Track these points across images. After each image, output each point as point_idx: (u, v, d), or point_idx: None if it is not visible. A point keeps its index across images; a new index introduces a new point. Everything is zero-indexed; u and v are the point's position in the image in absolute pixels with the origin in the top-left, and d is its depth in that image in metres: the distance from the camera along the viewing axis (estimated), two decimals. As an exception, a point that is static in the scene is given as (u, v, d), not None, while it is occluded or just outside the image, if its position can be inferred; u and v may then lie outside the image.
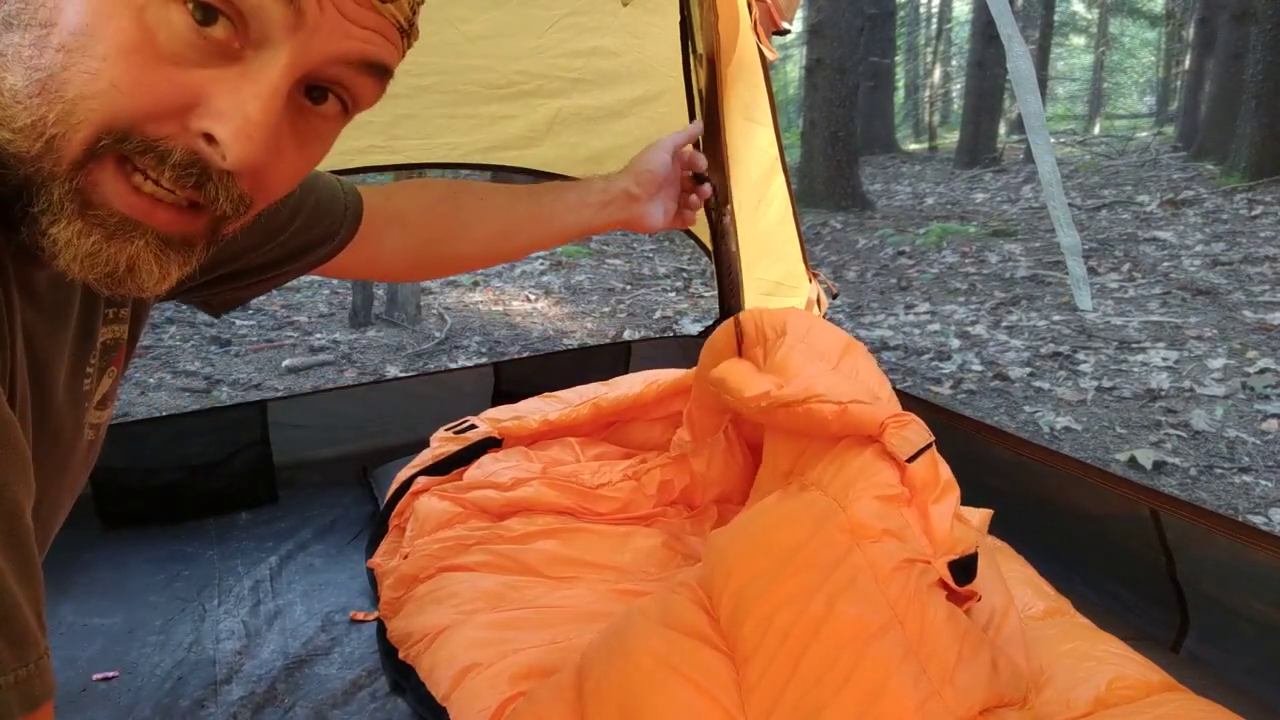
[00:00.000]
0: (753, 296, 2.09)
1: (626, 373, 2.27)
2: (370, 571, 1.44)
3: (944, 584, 0.92)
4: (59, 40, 0.39)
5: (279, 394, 3.06)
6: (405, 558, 1.34)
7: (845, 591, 0.85)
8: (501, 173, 2.22)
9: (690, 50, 2.00)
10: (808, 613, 0.84)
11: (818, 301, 1.85)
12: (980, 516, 1.35)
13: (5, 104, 0.40)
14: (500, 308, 4.77)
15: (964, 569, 0.94)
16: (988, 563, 1.07)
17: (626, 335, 4.18)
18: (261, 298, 4.76)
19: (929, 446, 0.98)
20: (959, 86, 15.31)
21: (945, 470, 1.00)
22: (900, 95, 16.22)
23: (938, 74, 15.85)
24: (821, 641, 0.81)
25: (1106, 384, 3.10)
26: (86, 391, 0.57)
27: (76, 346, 0.55)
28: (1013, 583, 1.22)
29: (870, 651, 0.80)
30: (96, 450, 0.62)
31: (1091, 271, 4.58)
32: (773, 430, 1.23)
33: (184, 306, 4.28)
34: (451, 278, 5.34)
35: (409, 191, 0.97)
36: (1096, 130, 13.93)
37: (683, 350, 2.36)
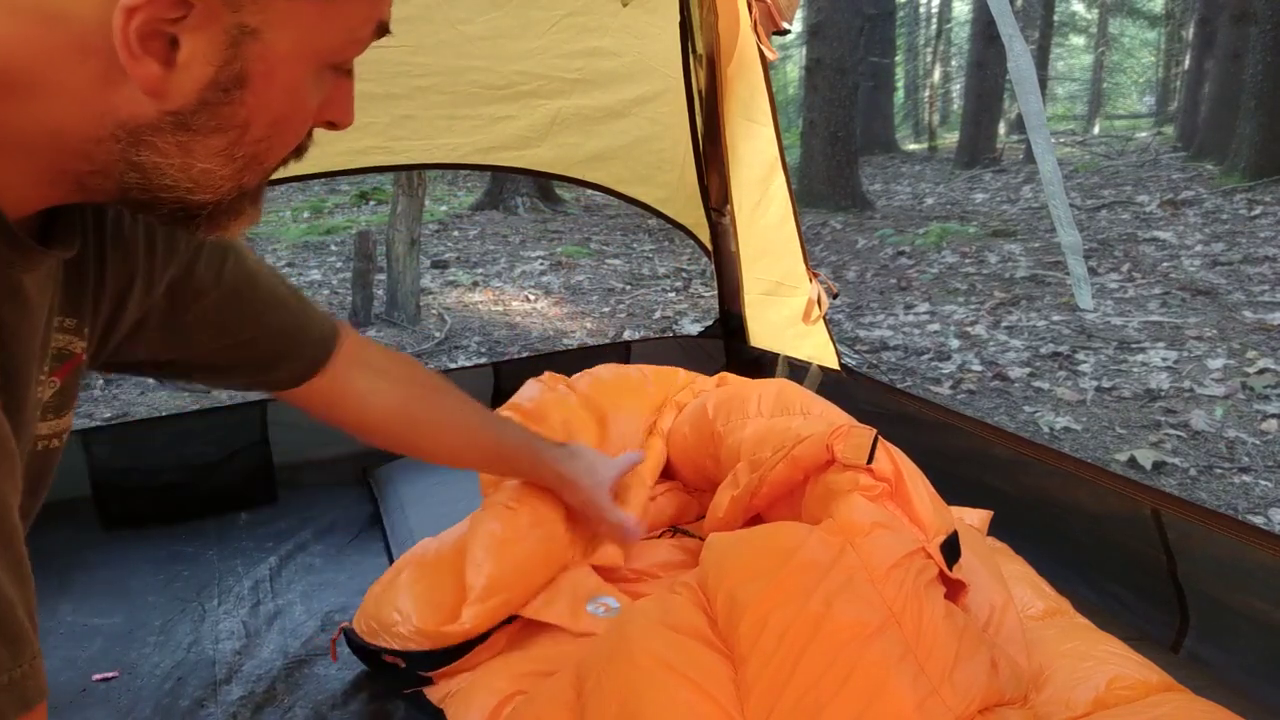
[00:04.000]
0: (753, 296, 2.09)
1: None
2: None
3: (941, 575, 0.92)
4: (258, 134, 0.52)
5: (279, 394, 3.06)
6: None
7: (841, 592, 0.85)
8: (502, 173, 2.22)
9: (690, 50, 2.00)
10: (804, 613, 0.84)
11: (818, 301, 1.85)
12: (979, 517, 1.35)
13: (199, 182, 0.52)
14: (500, 308, 4.77)
15: (951, 550, 0.95)
16: (984, 561, 1.07)
17: (626, 335, 4.18)
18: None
19: (876, 441, 1.01)
20: (959, 86, 15.33)
21: (901, 456, 1.03)
22: (900, 95, 16.24)
23: (937, 74, 15.85)
24: (819, 642, 0.81)
25: (1106, 384, 3.10)
26: (38, 398, 0.59)
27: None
28: (1012, 582, 1.22)
29: (868, 651, 0.80)
30: (52, 466, 0.63)
31: (1091, 272, 4.58)
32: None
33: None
34: (451, 277, 5.34)
35: (393, 354, 1.02)
36: (1096, 130, 13.93)
37: (682, 350, 2.36)
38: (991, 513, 1.37)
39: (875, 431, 1.03)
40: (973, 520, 1.34)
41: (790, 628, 0.83)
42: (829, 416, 1.27)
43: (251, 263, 0.82)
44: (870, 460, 0.99)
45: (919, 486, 1.01)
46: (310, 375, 0.90)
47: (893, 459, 1.02)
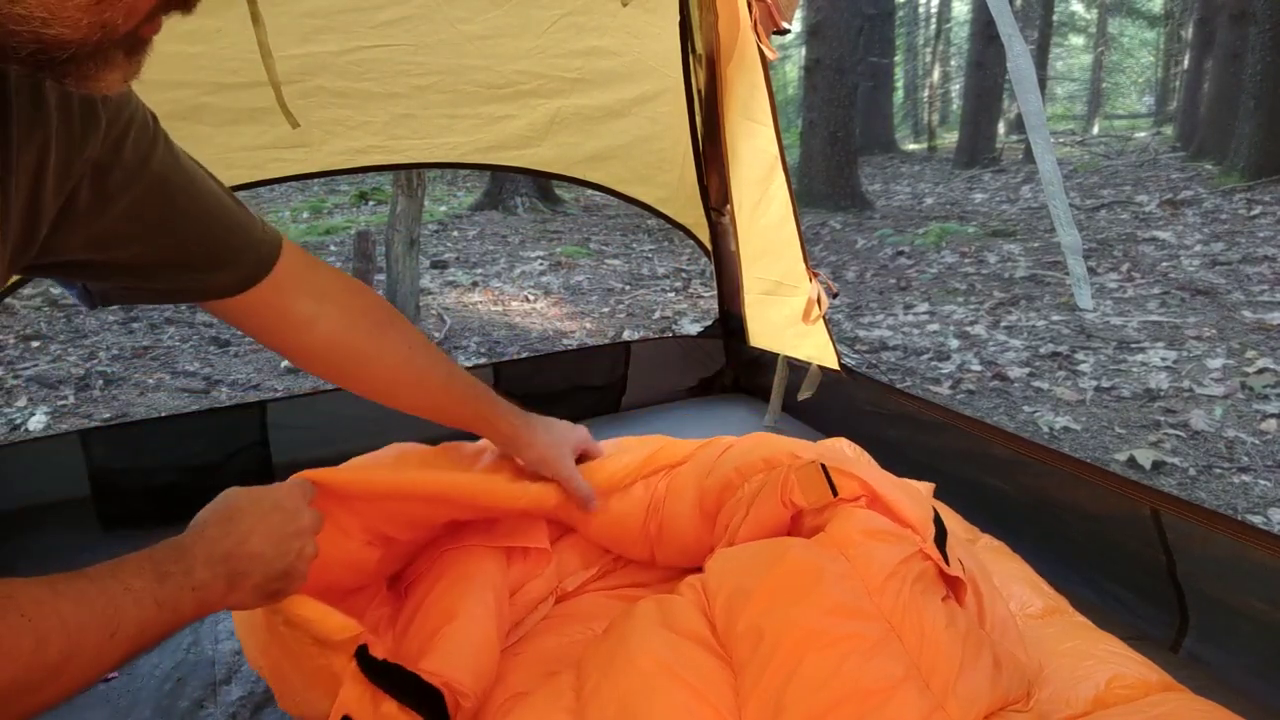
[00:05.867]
0: (753, 296, 2.09)
1: (626, 372, 2.27)
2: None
3: (940, 574, 0.92)
4: None
5: (278, 395, 3.06)
6: None
7: (838, 606, 0.84)
8: (501, 172, 2.22)
9: (690, 50, 2.00)
10: (799, 623, 0.83)
11: (818, 301, 1.85)
12: (924, 488, 1.33)
13: (54, 12, 0.46)
14: (499, 308, 4.77)
15: (939, 531, 0.94)
16: (966, 553, 1.05)
17: (626, 335, 4.18)
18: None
19: (826, 472, 0.97)
20: (958, 86, 15.32)
21: (861, 463, 1.01)
22: (899, 95, 16.24)
23: (937, 74, 15.85)
24: (817, 654, 0.80)
25: (1105, 384, 3.10)
26: None
27: None
28: (1010, 581, 1.22)
29: (869, 667, 0.79)
30: None
31: (1090, 271, 4.58)
32: None
33: (182, 307, 4.28)
34: (451, 278, 5.34)
35: (344, 279, 0.96)
36: (1095, 130, 13.94)
37: (682, 350, 2.36)
38: (934, 485, 1.35)
39: (819, 464, 0.99)
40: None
41: (785, 636, 0.82)
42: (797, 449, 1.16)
43: (185, 156, 0.78)
44: (835, 492, 0.97)
45: (892, 489, 0.99)
46: (247, 285, 0.83)
47: (854, 476, 0.98)
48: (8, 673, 0.54)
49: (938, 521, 0.96)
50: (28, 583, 0.58)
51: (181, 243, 0.77)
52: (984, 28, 9.53)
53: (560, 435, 1.14)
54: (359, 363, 0.96)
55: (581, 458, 1.18)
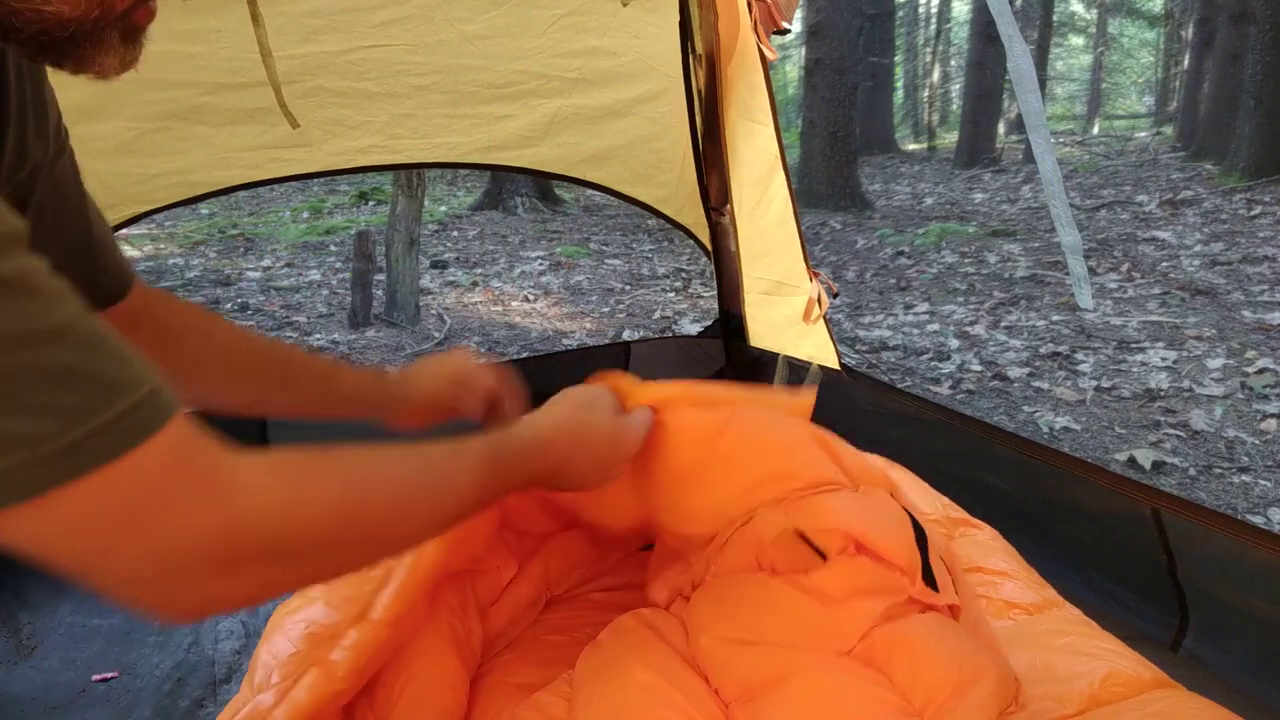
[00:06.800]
0: (753, 296, 2.09)
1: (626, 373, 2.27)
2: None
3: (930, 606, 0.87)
4: None
5: (278, 394, 3.05)
6: None
7: (821, 665, 0.82)
8: (501, 172, 2.22)
9: (690, 50, 2.00)
10: (786, 674, 0.81)
11: (818, 301, 1.85)
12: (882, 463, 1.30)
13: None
14: (499, 308, 4.77)
15: (921, 543, 0.89)
16: (944, 550, 1.01)
17: (626, 335, 4.18)
18: (261, 296, 4.76)
19: (809, 541, 0.88)
20: (958, 86, 15.32)
21: (842, 511, 0.89)
22: (899, 95, 16.24)
23: (937, 74, 15.86)
24: (808, 703, 0.78)
25: (1105, 384, 3.10)
26: None
27: None
28: (1002, 577, 1.21)
29: (860, 710, 0.77)
30: None
31: (1090, 271, 4.58)
32: None
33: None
34: (450, 277, 5.34)
35: (162, 298, 0.89)
36: (1095, 130, 13.94)
37: (682, 350, 2.36)
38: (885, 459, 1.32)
39: (796, 529, 0.88)
40: (876, 463, 1.25)
41: (771, 688, 0.81)
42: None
43: (76, 172, 0.76)
44: (823, 556, 0.88)
45: (876, 528, 0.88)
46: (103, 306, 0.80)
47: (835, 531, 0.87)
48: (324, 526, 0.54)
49: (920, 540, 0.90)
50: (355, 449, 0.59)
51: (70, 248, 0.74)
52: (984, 28, 9.54)
53: (431, 371, 1.02)
54: (189, 378, 0.89)
55: (461, 389, 1.03)
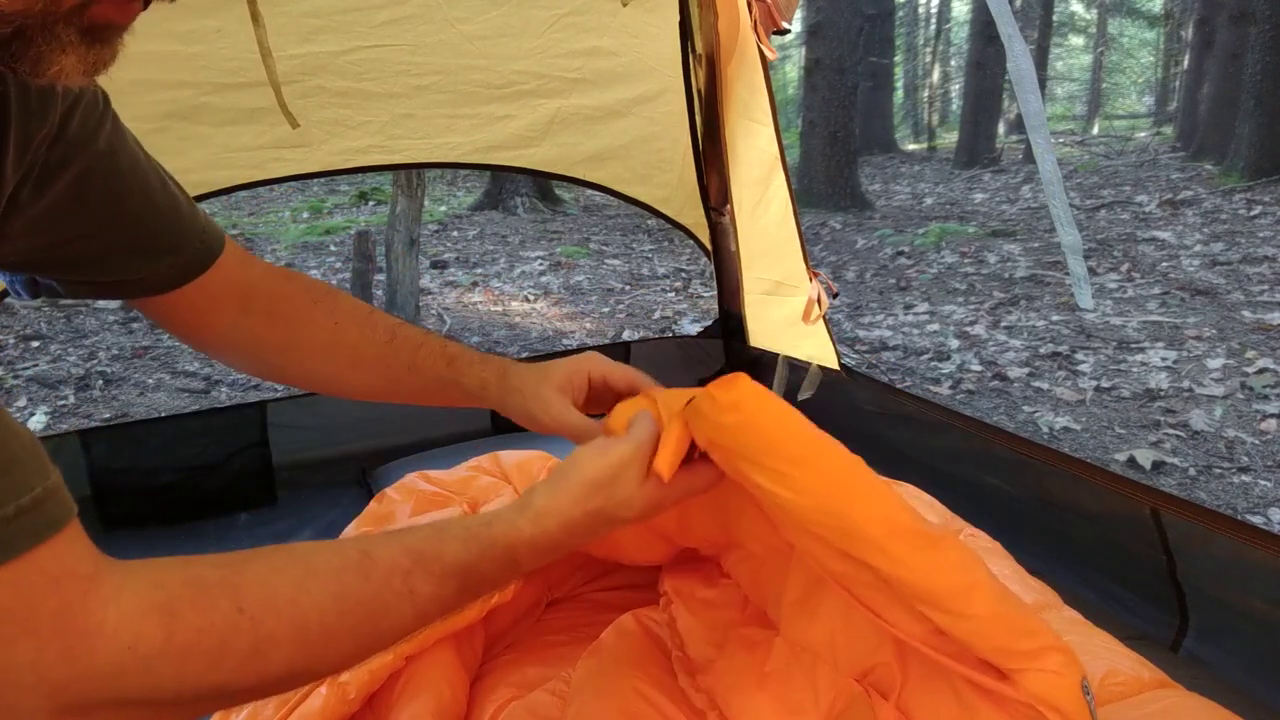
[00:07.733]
0: (753, 296, 2.09)
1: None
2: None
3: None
4: None
5: (278, 395, 3.05)
6: None
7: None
8: (501, 172, 2.22)
9: (690, 50, 2.00)
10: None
11: (818, 301, 1.85)
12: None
13: None
14: (499, 308, 4.77)
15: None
16: None
17: (626, 335, 4.18)
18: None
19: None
20: (958, 86, 15.32)
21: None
22: (899, 95, 16.23)
23: (937, 74, 15.86)
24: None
25: (1105, 384, 3.11)
26: None
27: None
28: (1000, 578, 1.20)
29: None
30: None
31: (1090, 272, 4.58)
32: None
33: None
34: (451, 278, 5.34)
35: (272, 271, 0.87)
36: (1095, 130, 13.94)
37: (682, 350, 2.36)
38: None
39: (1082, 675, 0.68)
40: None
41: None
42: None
43: (131, 137, 0.74)
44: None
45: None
46: (190, 275, 0.78)
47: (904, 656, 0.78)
48: (205, 677, 0.47)
49: None
50: (282, 558, 0.51)
51: (124, 225, 0.73)
52: (984, 28, 9.53)
53: (541, 375, 0.90)
54: (282, 353, 0.88)
55: (601, 389, 0.91)
